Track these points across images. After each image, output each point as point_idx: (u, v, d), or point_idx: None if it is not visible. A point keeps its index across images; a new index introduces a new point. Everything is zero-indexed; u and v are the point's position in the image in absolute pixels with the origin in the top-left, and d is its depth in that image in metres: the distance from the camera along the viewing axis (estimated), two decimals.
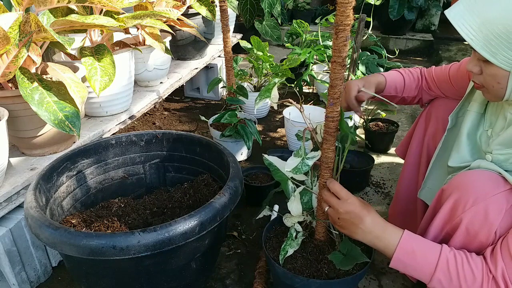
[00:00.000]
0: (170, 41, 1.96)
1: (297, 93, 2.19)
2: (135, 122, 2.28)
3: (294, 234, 1.02)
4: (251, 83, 2.25)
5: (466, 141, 0.97)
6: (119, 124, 1.59)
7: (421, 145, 1.22)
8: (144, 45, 1.82)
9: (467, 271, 0.80)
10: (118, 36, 1.75)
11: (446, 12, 0.80)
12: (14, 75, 1.09)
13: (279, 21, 3.08)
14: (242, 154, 1.87)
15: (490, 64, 0.78)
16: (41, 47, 1.20)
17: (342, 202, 0.90)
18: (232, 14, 2.61)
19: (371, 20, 2.42)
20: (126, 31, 1.66)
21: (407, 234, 0.85)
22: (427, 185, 1.12)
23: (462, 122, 0.99)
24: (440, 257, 0.82)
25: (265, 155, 1.05)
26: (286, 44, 2.70)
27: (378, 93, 1.16)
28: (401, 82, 1.18)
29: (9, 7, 1.22)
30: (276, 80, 0.94)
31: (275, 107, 0.94)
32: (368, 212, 0.89)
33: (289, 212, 1.07)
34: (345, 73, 2.29)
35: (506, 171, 0.83)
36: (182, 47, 2.29)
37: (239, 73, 2.18)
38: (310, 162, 0.94)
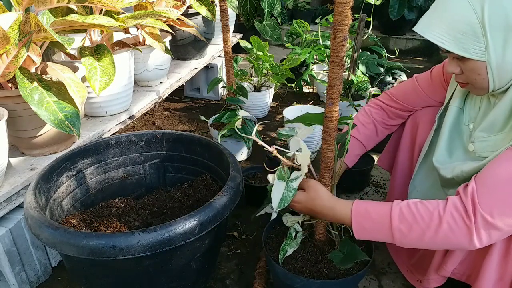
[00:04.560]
0: (170, 41, 1.96)
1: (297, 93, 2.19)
2: (135, 122, 2.28)
3: (294, 234, 1.02)
4: (251, 83, 2.25)
5: (447, 134, 1.00)
6: (119, 124, 1.59)
7: (411, 152, 1.21)
8: (144, 45, 1.82)
9: (422, 210, 0.81)
10: (118, 36, 1.75)
11: (414, 28, 0.87)
12: (14, 75, 1.09)
13: (279, 21, 3.08)
14: (242, 154, 1.87)
15: (467, 60, 0.84)
16: (41, 47, 1.20)
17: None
18: (232, 14, 2.61)
19: (371, 20, 2.42)
20: (126, 31, 1.66)
21: (358, 200, 0.90)
22: (415, 187, 1.13)
23: (445, 117, 1.02)
24: (392, 208, 0.84)
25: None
26: (286, 44, 2.70)
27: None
28: (359, 147, 1.21)
29: (9, 7, 1.22)
30: (241, 113, 1.02)
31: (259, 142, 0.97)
32: (316, 195, 0.92)
33: (289, 212, 1.07)
34: (345, 73, 2.29)
35: (485, 157, 0.87)
36: (182, 47, 2.29)
37: (239, 73, 2.18)
38: (295, 184, 0.93)
